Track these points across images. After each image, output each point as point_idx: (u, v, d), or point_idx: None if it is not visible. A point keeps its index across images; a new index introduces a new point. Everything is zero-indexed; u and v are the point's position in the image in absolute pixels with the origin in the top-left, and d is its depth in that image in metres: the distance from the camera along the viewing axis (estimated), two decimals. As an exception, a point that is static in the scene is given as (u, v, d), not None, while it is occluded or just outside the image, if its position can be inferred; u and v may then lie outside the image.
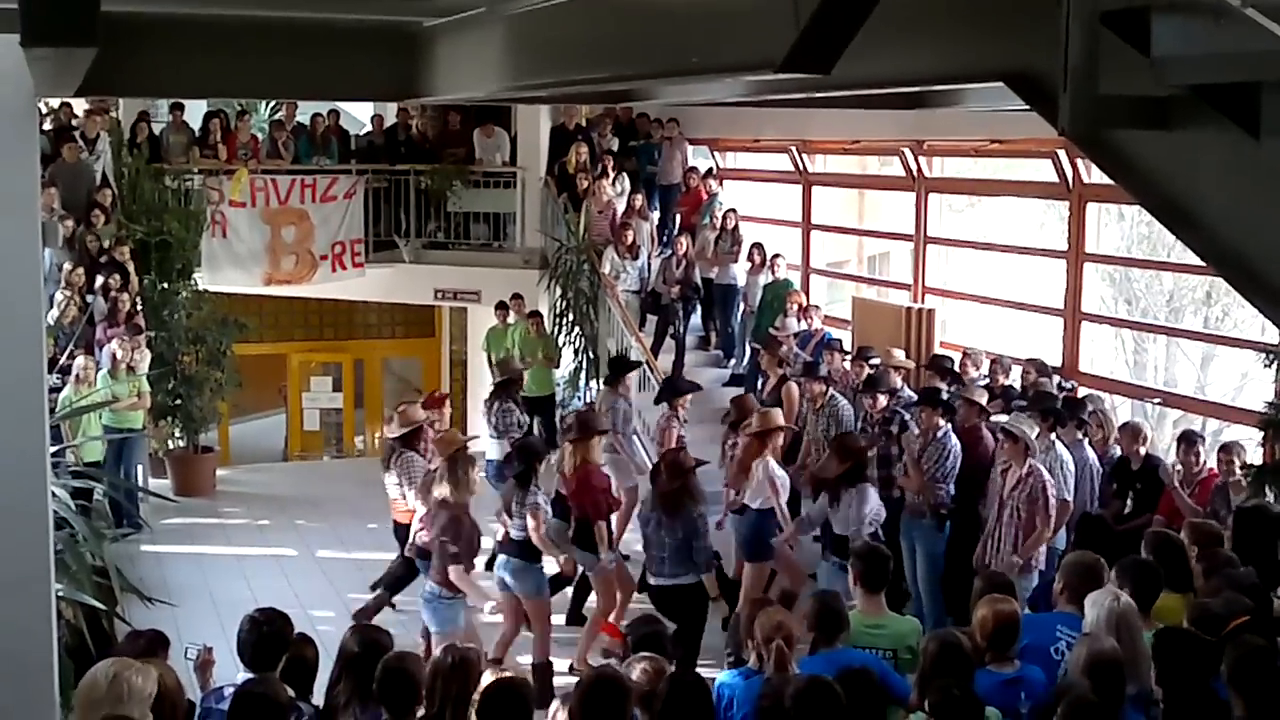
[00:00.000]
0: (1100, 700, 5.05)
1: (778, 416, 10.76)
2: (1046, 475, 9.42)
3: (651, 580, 9.74)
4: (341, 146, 18.92)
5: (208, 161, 17.77)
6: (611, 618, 9.96)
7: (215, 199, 17.39)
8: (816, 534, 10.25)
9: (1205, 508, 9.18)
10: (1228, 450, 9.52)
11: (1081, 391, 12.02)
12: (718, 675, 6.23)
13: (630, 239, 16.38)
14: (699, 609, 9.49)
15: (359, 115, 21.42)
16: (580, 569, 10.66)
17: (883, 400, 11.43)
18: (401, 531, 10.94)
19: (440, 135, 18.83)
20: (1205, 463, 9.79)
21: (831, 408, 12.03)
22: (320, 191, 18.04)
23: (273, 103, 20.41)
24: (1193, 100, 3.72)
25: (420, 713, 5.41)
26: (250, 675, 5.81)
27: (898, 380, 12.25)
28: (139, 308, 15.20)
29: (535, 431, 14.58)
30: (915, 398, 11.67)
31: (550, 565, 10.29)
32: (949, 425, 10.57)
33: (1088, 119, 3.79)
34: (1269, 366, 9.54)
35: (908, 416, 11.12)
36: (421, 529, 10.05)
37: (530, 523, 9.53)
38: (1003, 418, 10.33)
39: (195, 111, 18.37)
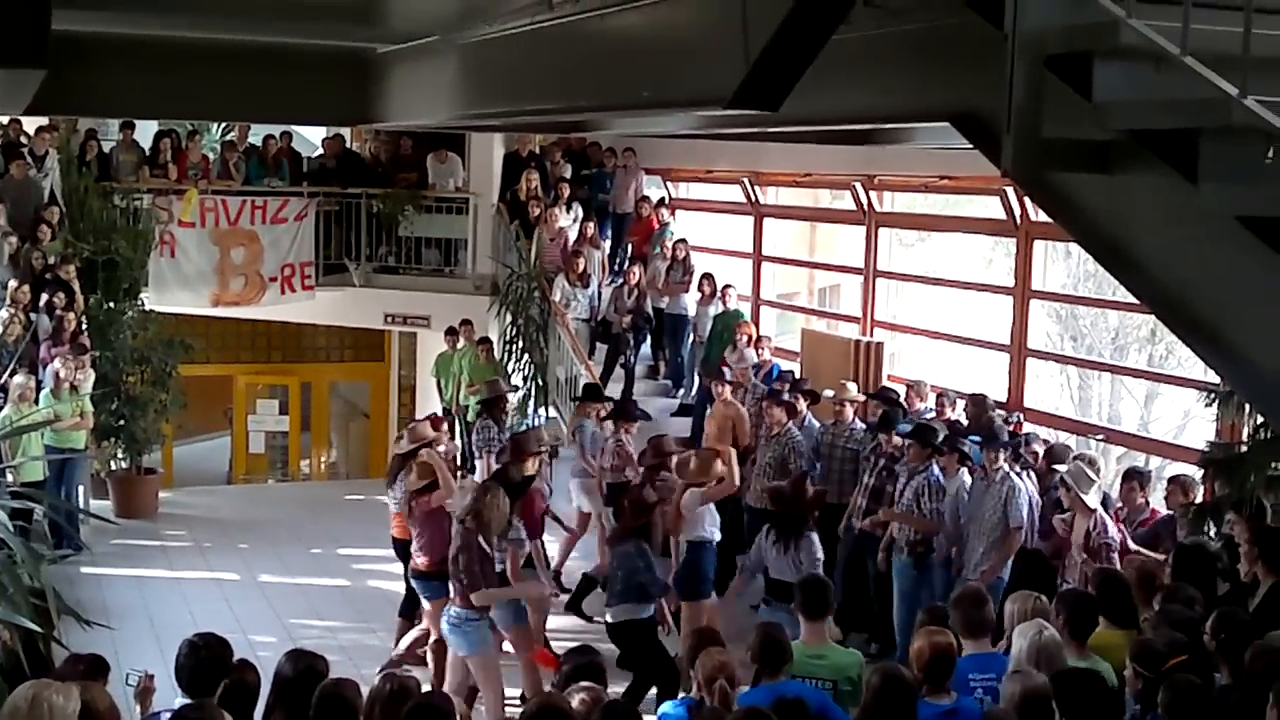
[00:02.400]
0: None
1: (718, 468, 10.46)
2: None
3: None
4: (293, 169, 18.83)
5: (157, 181, 17.63)
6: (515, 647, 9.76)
7: (164, 219, 17.24)
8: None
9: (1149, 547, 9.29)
10: (1178, 482, 9.64)
11: (1025, 427, 12.13)
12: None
13: (581, 267, 16.38)
14: (646, 642, 9.36)
15: (311, 137, 21.35)
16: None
17: (898, 440, 11.17)
18: (401, 548, 10.86)
19: (392, 159, 18.79)
20: (1148, 503, 9.91)
21: (787, 438, 12.05)
22: (271, 213, 17.93)
23: (224, 123, 20.31)
24: (1133, 145, 3.79)
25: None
26: (188, 701, 5.75)
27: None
28: (84, 327, 15.05)
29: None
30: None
31: None
32: (933, 461, 10.63)
33: (1030, 160, 3.86)
34: (1210, 405, 9.66)
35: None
36: (419, 549, 10.00)
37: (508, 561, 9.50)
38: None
39: (145, 130, 18.26)
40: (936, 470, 10.52)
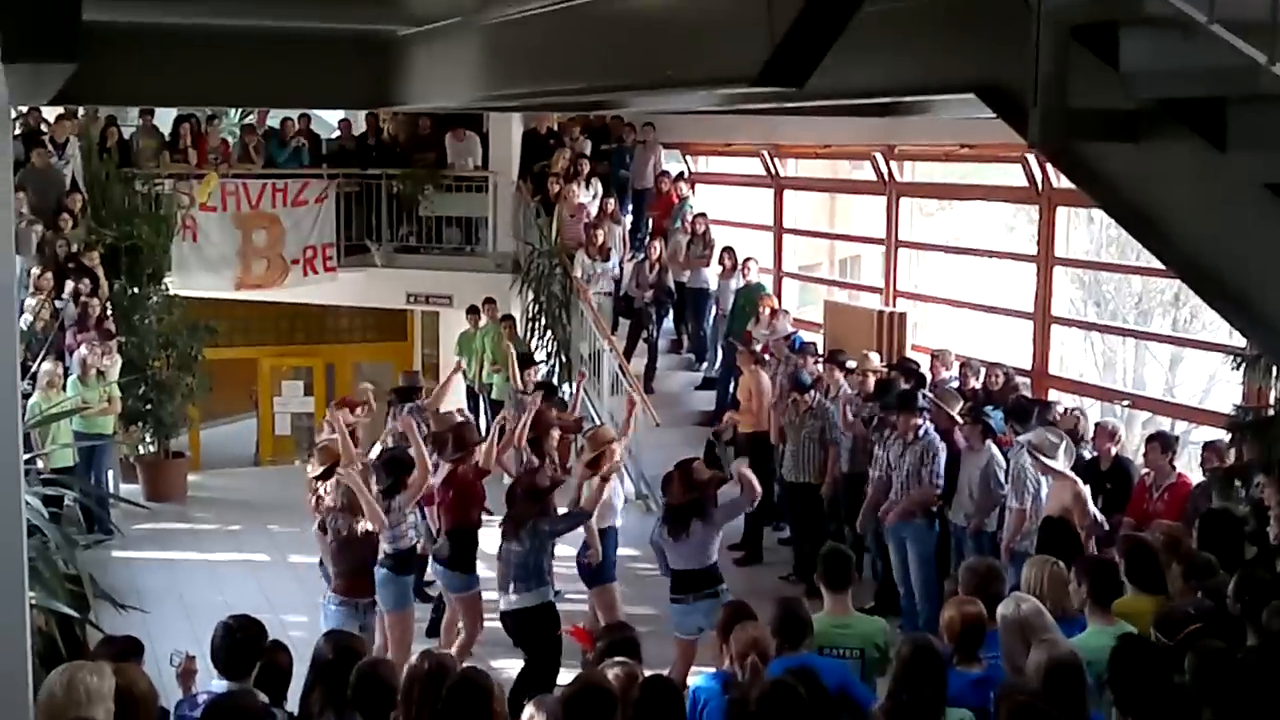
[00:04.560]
0: (1058, 707, 5.06)
1: (607, 433, 10.36)
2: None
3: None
4: (313, 150, 18.87)
5: (178, 166, 17.70)
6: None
7: (185, 203, 17.32)
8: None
9: (1176, 512, 9.26)
10: (1214, 448, 9.62)
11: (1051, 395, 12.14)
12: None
13: (601, 240, 16.41)
14: (547, 632, 9.09)
15: (330, 119, 21.38)
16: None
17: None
18: None
19: (411, 139, 18.81)
20: (1174, 467, 9.89)
21: (822, 410, 12.10)
22: (291, 196, 18.00)
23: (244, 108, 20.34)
24: (1161, 114, 3.78)
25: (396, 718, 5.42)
26: (225, 682, 5.81)
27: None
28: (109, 312, 15.13)
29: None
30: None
31: None
32: (927, 424, 10.66)
33: (1057, 131, 3.86)
34: (1236, 369, 9.63)
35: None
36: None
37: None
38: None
39: (165, 116, 18.29)
40: (932, 431, 10.56)
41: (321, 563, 9.81)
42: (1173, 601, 6.49)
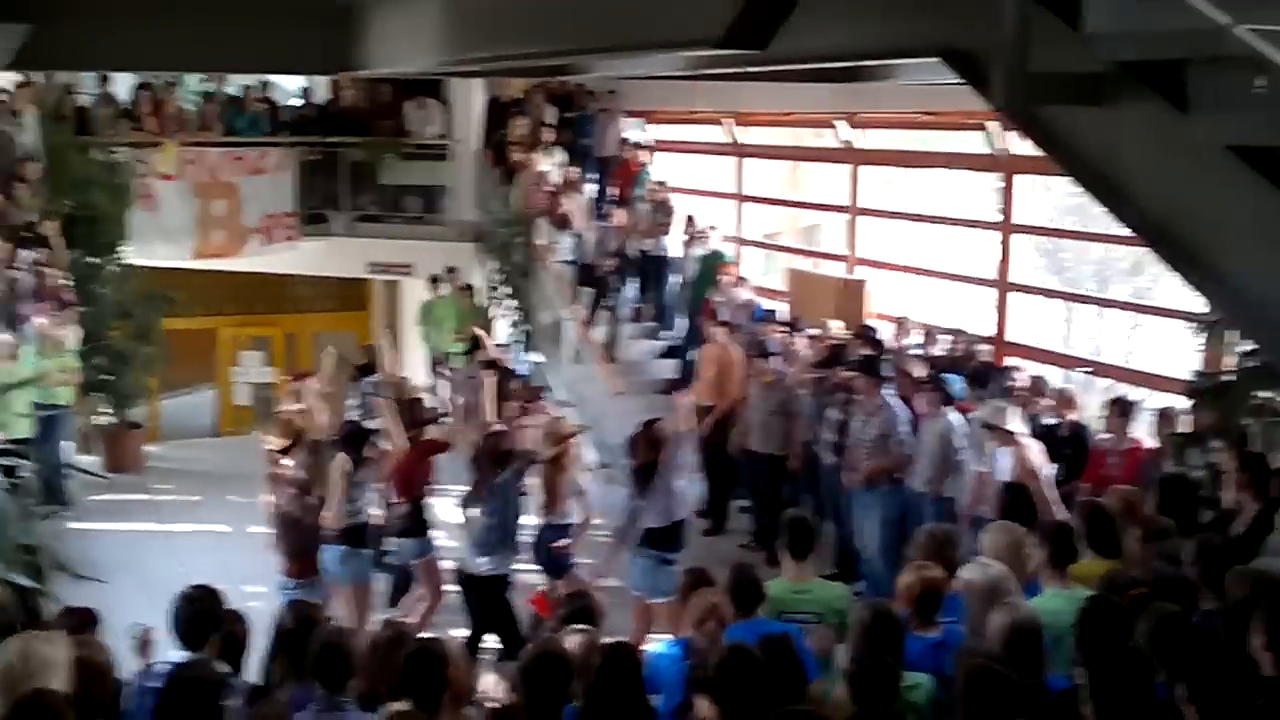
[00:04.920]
0: (1017, 669, 5.09)
1: (566, 427, 10.36)
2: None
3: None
4: (272, 119, 18.69)
5: (136, 134, 17.48)
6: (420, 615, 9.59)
7: (143, 172, 17.12)
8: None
9: (1132, 477, 9.32)
10: (1165, 415, 9.70)
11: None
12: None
13: (563, 208, 16.35)
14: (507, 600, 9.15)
15: (290, 86, 21.18)
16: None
17: (844, 373, 11.21)
18: None
19: (371, 107, 18.66)
20: (1131, 434, 9.96)
21: (782, 380, 12.08)
22: (250, 164, 17.83)
23: (203, 75, 20.12)
24: (1123, 76, 3.78)
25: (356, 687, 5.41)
26: (183, 652, 5.78)
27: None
28: (66, 282, 14.96)
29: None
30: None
31: None
32: (889, 392, 10.69)
33: (1021, 95, 3.85)
34: (1195, 335, 9.70)
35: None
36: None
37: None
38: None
39: (123, 84, 18.07)
40: (892, 400, 10.59)
41: None
42: (1129, 565, 6.54)
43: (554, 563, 9.99)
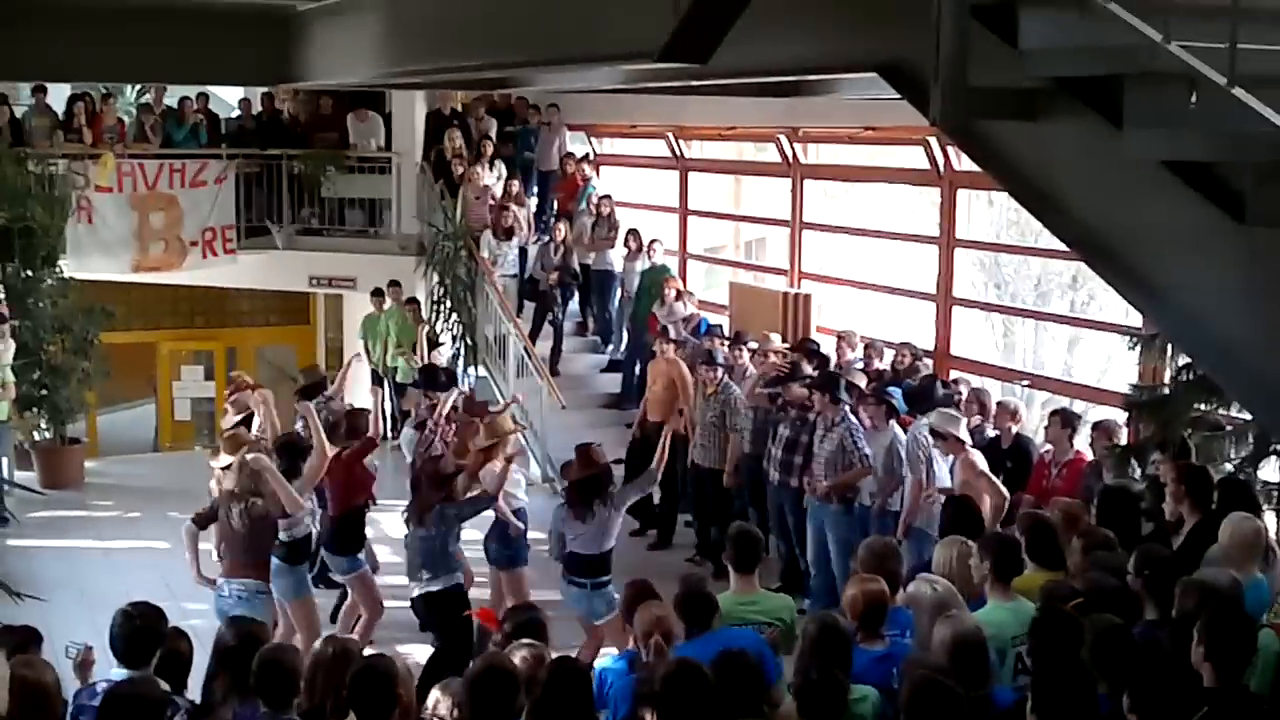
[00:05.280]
0: (963, 682, 5.11)
1: (505, 423, 10.19)
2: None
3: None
4: (211, 130, 18.53)
5: (72, 145, 17.25)
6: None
7: (80, 184, 16.92)
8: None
9: (1074, 489, 9.40)
10: (1103, 428, 9.79)
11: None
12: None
13: (508, 222, 16.33)
14: (456, 616, 9.02)
15: (229, 99, 21.01)
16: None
17: (798, 390, 11.19)
18: None
19: (312, 119, 18.54)
20: (1074, 446, 10.05)
21: (726, 395, 12.09)
22: (189, 176, 17.63)
23: (140, 85, 19.93)
24: (1059, 92, 3.82)
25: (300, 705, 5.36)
26: (124, 670, 5.71)
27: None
28: (1, 296, 14.78)
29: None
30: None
31: None
32: (845, 408, 10.70)
33: (958, 110, 3.88)
34: (1133, 349, 9.80)
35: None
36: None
37: None
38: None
39: (59, 94, 17.86)
40: (850, 415, 10.62)
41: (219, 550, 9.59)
42: (1071, 577, 6.58)
43: (503, 556, 9.97)
